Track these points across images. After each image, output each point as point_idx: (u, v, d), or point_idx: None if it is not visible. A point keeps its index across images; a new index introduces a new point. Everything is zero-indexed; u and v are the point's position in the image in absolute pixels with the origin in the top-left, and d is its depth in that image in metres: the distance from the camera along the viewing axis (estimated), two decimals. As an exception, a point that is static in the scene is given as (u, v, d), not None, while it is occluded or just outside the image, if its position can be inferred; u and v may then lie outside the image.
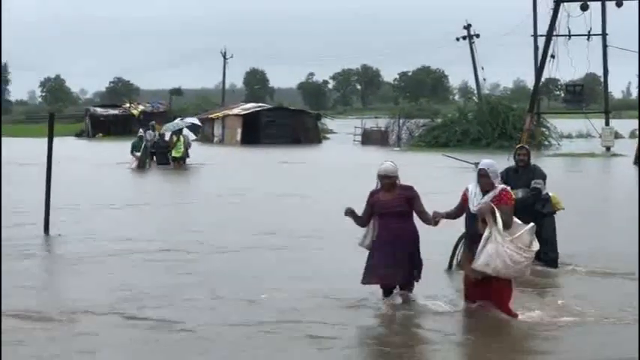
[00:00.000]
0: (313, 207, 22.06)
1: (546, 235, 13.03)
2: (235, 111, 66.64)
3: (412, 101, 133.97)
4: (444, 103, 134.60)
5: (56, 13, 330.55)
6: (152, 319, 10.11)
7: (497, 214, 9.63)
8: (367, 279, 10.55)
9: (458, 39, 77.13)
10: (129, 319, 10.15)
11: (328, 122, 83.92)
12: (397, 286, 10.62)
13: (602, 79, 62.90)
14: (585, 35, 49.76)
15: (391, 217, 10.42)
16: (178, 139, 36.73)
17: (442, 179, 28.34)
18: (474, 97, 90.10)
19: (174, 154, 36.58)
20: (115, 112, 78.81)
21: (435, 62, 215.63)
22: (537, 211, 13.07)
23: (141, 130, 38.97)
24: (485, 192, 9.87)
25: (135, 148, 36.26)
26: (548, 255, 13.19)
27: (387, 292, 10.64)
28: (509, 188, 10.15)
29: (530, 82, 51.20)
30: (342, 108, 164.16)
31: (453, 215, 10.33)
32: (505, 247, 9.55)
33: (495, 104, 57.99)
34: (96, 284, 11.98)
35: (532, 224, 9.90)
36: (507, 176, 12.87)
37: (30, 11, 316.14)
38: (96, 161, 38.99)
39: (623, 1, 40.90)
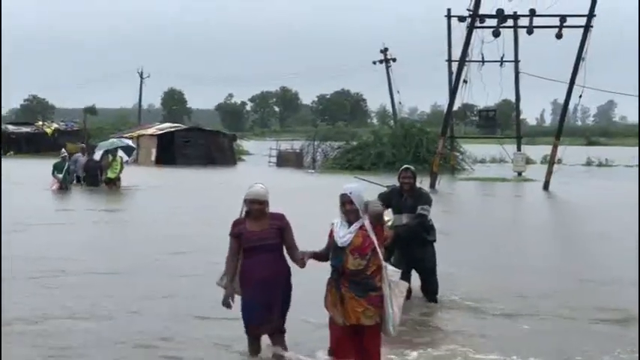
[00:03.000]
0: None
1: (428, 265, 12.51)
2: (150, 131, 66.01)
3: (330, 124, 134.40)
4: (363, 126, 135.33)
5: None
6: None
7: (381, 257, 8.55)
8: (249, 329, 9.08)
9: (375, 62, 77.60)
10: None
11: (244, 143, 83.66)
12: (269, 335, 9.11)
13: (514, 105, 63.79)
14: (498, 61, 50.47)
15: (261, 251, 8.79)
16: (114, 159, 35.00)
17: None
18: (391, 121, 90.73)
19: (109, 174, 34.62)
20: (28, 129, 77.36)
21: (355, 86, 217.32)
22: (423, 238, 12.37)
23: (63, 150, 37.03)
24: (350, 222, 8.52)
25: (57, 169, 33.83)
26: (429, 287, 12.61)
27: (255, 341, 9.14)
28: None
29: (446, 107, 51.69)
30: (260, 130, 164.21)
31: (323, 256, 8.81)
32: (399, 298, 8.63)
33: (409, 128, 58.37)
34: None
35: (400, 271, 8.79)
36: (390, 199, 12.19)
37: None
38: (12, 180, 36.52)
39: (534, 29, 41.41)
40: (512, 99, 61.65)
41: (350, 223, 8.51)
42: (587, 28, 39.41)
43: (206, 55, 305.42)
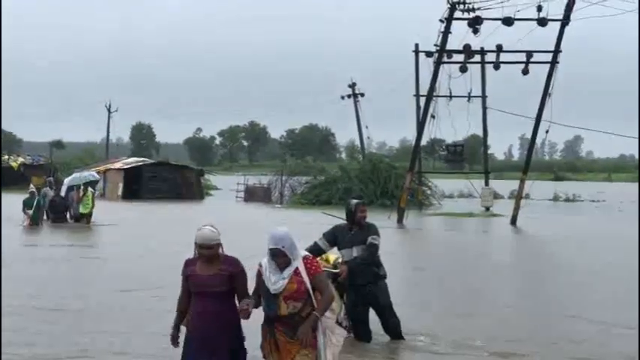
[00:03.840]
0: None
1: (384, 302, 12.14)
2: (117, 165, 65.67)
3: (299, 158, 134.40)
4: (331, 160, 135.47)
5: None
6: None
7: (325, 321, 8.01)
8: None
9: (343, 97, 77.92)
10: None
11: (212, 178, 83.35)
12: None
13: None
14: (466, 96, 50.54)
15: (209, 297, 7.88)
16: (85, 194, 34.05)
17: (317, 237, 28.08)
18: (360, 156, 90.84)
19: (80, 209, 33.58)
20: (-7, 163, 76.47)
21: (324, 120, 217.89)
22: (375, 273, 12.07)
23: (31, 186, 36.23)
24: (282, 268, 7.86)
25: (27, 206, 32.96)
26: (389, 322, 12.24)
27: None
28: (309, 255, 8.16)
29: (414, 142, 51.80)
30: (228, 164, 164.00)
31: (258, 301, 8.07)
32: (335, 348, 8.11)
33: (377, 162, 58.32)
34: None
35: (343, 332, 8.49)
36: (336, 236, 11.95)
37: None
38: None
39: (500, 64, 41.55)
40: (481, 134, 61.84)
41: (283, 268, 7.87)
42: (553, 63, 39.65)
43: (174, 90, 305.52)
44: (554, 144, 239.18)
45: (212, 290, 7.87)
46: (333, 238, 11.95)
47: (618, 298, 17.19)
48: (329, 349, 7.88)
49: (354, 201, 12.32)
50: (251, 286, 8.02)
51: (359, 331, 12.16)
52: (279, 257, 7.80)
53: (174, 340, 8.14)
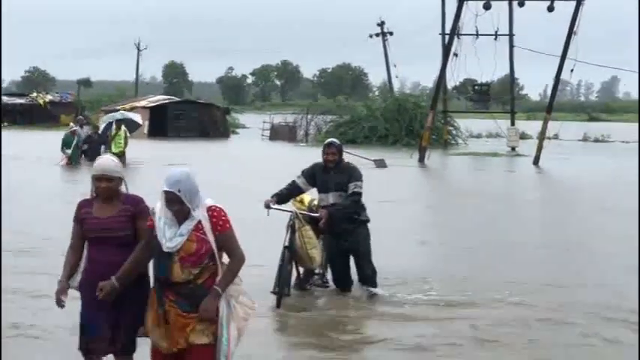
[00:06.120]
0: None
1: (365, 248, 11.18)
2: (142, 103, 65.51)
3: (332, 98, 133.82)
4: (365, 100, 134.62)
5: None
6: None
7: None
8: (81, 342, 6.77)
9: (371, 36, 76.99)
10: None
11: (241, 117, 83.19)
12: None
13: (517, 81, 63.29)
14: (492, 35, 49.76)
15: (107, 244, 6.61)
16: (117, 133, 32.06)
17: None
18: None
19: (113, 148, 31.00)
20: (22, 101, 76.85)
21: (357, 60, 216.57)
22: (355, 218, 11.05)
23: (72, 124, 35.42)
24: (179, 220, 6.25)
25: (65, 145, 32.27)
26: (365, 272, 11.24)
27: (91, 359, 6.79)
28: (215, 203, 6.35)
29: (448, 82, 51.13)
30: (260, 103, 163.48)
31: (137, 262, 6.52)
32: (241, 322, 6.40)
33: (403, 102, 57.75)
34: None
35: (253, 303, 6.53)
36: (314, 176, 10.99)
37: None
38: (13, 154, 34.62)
39: (525, 1, 40.82)
40: (515, 74, 61.22)
41: (181, 222, 6.24)
42: (579, 1, 38.83)
43: (206, 29, 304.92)
44: (591, 84, 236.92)
45: (112, 235, 6.59)
46: (312, 177, 11.04)
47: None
48: (233, 323, 6.31)
49: (328, 140, 11.39)
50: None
51: (339, 280, 11.42)
52: (174, 204, 6.17)
53: (59, 301, 6.64)
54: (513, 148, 50.65)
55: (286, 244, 10.75)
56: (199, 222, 6.22)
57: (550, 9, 40.19)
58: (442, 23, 54.83)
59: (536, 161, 39.65)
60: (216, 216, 6.27)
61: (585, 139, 68.25)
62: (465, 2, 40.03)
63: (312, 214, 10.97)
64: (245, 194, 20.15)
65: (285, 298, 10.59)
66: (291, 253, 10.74)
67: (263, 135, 63.01)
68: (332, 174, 10.93)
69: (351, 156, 32.10)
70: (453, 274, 12.94)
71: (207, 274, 6.27)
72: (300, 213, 10.92)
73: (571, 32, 38.82)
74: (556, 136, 62.30)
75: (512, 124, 54.66)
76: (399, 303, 11.04)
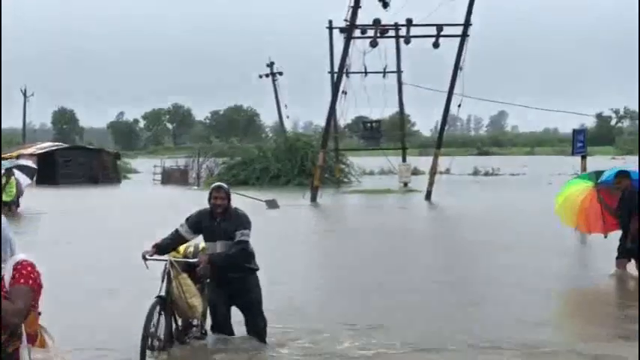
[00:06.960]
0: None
1: (256, 298, 10.62)
2: (30, 150, 64.03)
3: (224, 140, 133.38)
4: (258, 141, 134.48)
5: None
6: None
7: None
8: None
9: (261, 76, 77.13)
10: None
11: (132, 161, 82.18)
12: None
13: (409, 118, 64.03)
14: (381, 72, 50.25)
15: None
16: (8, 181, 31.68)
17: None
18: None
19: (3, 197, 30.30)
20: None
21: (248, 101, 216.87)
22: (243, 266, 10.45)
23: None
24: None
25: None
26: (258, 325, 10.70)
27: None
28: (25, 260, 5.05)
29: (339, 120, 51.33)
30: (153, 147, 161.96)
31: None
32: None
33: (294, 141, 57.76)
34: None
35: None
36: (199, 224, 10.37)
37: None
38: None
39: (411, 39, 41.24)
40: (406, 110, 61.93)
41: None
42: (463, 37, 39.35)
43: (96, 74, 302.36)
44: (480, 119, 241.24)
45: None
46: (197, 225, 10.41)
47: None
48: None
49: (215, 184, 10.73)
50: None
51: (219, 328, 10.71)
52: None
53: None
54: (406, 184, 51.03)
55: (161, 293, 10.07)
56: (2, 279, 5.00)
57: (435, 45, 40.70)
58: (330, 62, 55.31)
59: (427, 196, 39.84)
60: (19, 269, 5.02)
61: (476, 172, 69.34)
62: (352, 40, 40.18)
63: (190, 260, 10.30)
64: (126, 240, 19.59)
65: (161, 352, 9.97)
66: (169, 304, 10.08)
67: (155, 179, 62.27)
68: (219, 221, 10.33)
69: (243, 197, 32.01)
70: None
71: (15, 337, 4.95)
72: (176, 260, 10.21)
73: (457, 68, 39.23)
74: (447, 171, 63.23)
75: (404, 160, 55.19)
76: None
